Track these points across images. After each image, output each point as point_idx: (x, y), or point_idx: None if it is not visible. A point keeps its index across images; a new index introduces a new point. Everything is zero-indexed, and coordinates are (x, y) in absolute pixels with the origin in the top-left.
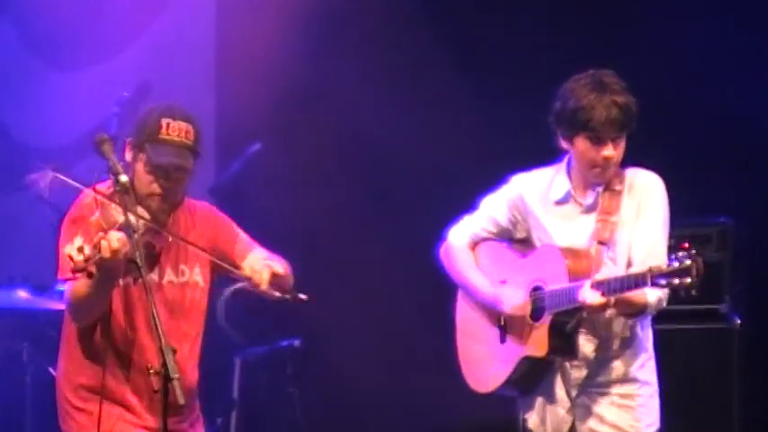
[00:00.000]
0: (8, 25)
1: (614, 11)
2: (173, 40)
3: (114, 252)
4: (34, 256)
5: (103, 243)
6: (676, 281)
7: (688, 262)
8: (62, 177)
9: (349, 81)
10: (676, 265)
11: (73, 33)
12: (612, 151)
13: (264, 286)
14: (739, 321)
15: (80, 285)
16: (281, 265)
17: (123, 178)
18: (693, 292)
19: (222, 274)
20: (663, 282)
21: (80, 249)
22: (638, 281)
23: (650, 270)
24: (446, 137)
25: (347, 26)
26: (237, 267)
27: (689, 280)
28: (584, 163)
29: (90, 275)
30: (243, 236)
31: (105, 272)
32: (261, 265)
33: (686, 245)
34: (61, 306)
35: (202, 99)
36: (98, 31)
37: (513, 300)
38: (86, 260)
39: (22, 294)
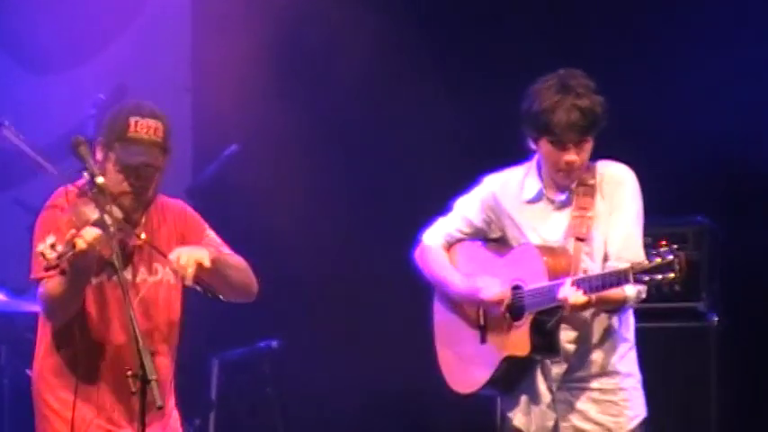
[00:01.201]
0: None
1: (594, 10)
2: (149, 42)
3: (89, 246)
4: (11, 258)
5: (78, 239)
6: (659, 276)
7: (670, 257)
8: (10, 136)
9: (327, 82)
10: (658, 260)
11: (49, 36)
12: (575, 156)
13: (189, 282)
14: (716, 319)
15: (53, 284)
16: (208, 256)
17: (100, 180)
18: (677, 288)
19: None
20: (646, 278)
21: (53, 246)
22: (620, 278)
23: (632, 267)
24: (422, 139)
25: (324, 25)
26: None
27: (672, 275)
28: (548, 165)
29: (63, 272)
30: (212, 236)
31: (79, 269)
32: (187, 257)
33: (663, 243)
34: (38, 309)
35: (179, 101)
36: (74, 34)
37: (492, 288)
38: (59, 257)
39: (0, 297)
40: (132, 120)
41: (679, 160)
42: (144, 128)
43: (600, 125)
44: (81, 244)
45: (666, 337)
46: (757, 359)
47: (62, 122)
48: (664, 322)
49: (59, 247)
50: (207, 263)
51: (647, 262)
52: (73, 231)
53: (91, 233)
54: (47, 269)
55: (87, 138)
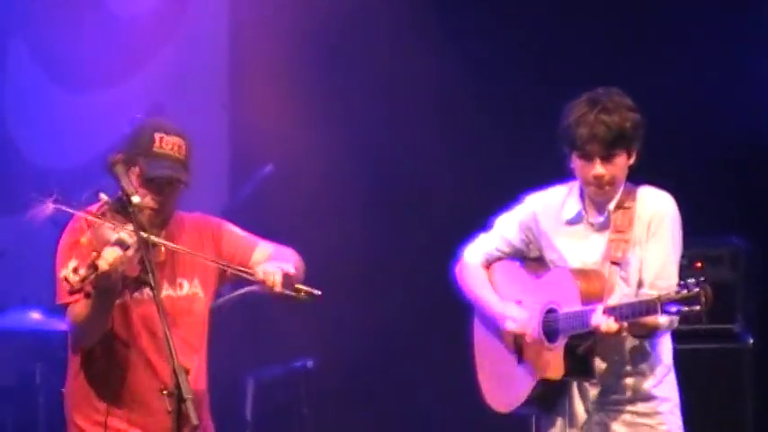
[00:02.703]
0: (23, 47)
1: (629, 29)
2: (186, 60)
3: (111, 266)
4: (47, 277)
5: (99, 261)
6: (685, 308)
7: (696, 290)
8: (63, 207)
9: (363, 102)
10: (685, 292)
11: (86, 55)
12: (602, 170)
13: (278, 288)
14: (752, 341)
15: (79, 307)
16: (292, 265)
17: (136, 199)
18: (703, 320)
19: (233, 280)
20: (673, 309)
21: (75, 270)
22: (648, 308)
23: (659, 297)
24: (464, 155)
25: (360, 47)
26: (247, 269)
27: (698, 307)
28: (581, 180)
29: (87, 295)
30: (242, 234)
31: (103, 290)
32: (273, 267)
33: (699, 264)
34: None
35: (216, 119)
36: (112, 53)
37: (518, 318)
38: (82, 280)
39: (35, 316)
40: (157, 135)
41: (716, 179)
42: (169, 144)
43: (631, 141)
44: (103, 265)
45: (702, 358)
46: None
47: (98, 141)
48: (699, 344)
49: (82, 271)
50: (291, 270)
51: (673, 293)
52: (94, 254)
53: (112, 253)
54: (71, 293)
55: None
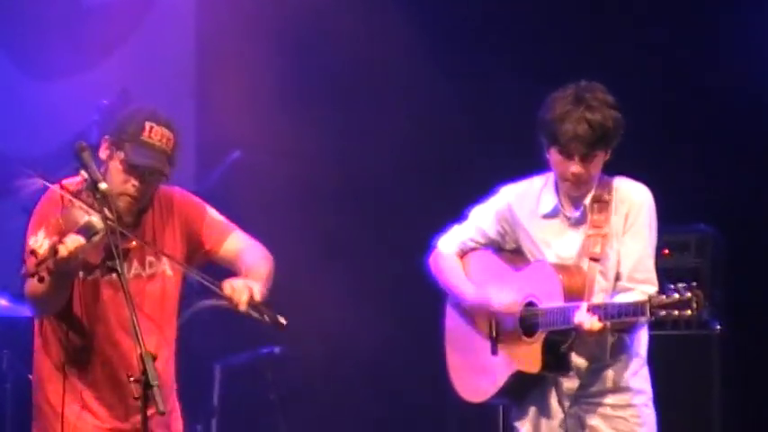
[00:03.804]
0: None
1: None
2: (153, 48)
3: (70, 254)
4: (14, 263)
5: (60, 246)
6: (675, 312)
7: (688, 295)
8: (49, 185)
9: (331, 89)
10: (676, 296)
11: (53, 42)
12: (580, 168)
13: (243, 308)
14: (719, 327)
15: (35, 285)
16: (260, 284)
17: (103, 186)
18: (693, 325)
19: (202, 264)
20: (662, 313)
21: (33, 252)
22: (636, 310)
23: (650, 300)
24: (442, 142)
25: (329, 31)
26: (212, 255)
27: (689, 312)
28: (557, 175)
29: (41, 279)
30: (217, 218)
31: (60, 273)
32: (241, 285)
33: (666, 251)
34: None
35: (183, 106)
36: (78, 40)
37: (503, 297)
38: (39, 263)
39: (2, 302)
40: (148, 124)
41: (682, 167)
42: (158, 134)
43: (611, 140)
44: (62, 251)
45: (669, 344)
46: (760, 367)
47: (65, 128)
48: (666, 330)
49: (42, 252)
50: (257, 296)
51: (664, 297)
52: (55, 238)
53: (73, 241)
54: (26, 275)
55: (90, 144)
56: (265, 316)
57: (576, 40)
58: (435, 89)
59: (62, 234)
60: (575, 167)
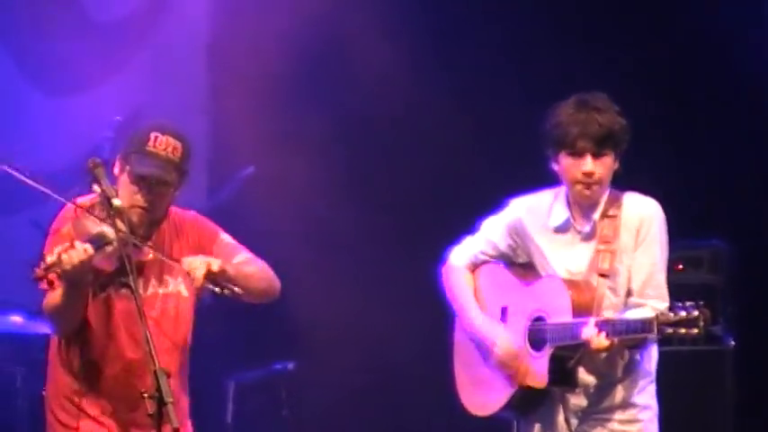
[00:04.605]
0: (1, 51)
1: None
2: (165, 64)
3: (79, 262)
4: (26, 280)
5: (64, 255)
6: (683, 330)
7: (695, 313)
8: (12, 171)
9: (343, 105)
10: (683, 314)
11: (65, 58)
12: (591, 167)
13: (199, 282)
14: (733, 343)
15: (51, 296)
16: (218, 262)
17: (117, 202)
18: (700, 343)
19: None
20: (669, 330)
21: (43, 258)
22: (644, 327)
23: (657, 318)
24: (452, 153)
25: (341, 48)
26: (175, 259)
27: (695, 331)
28: (567, 181)
29: (50, 284)
30: (226, 240)
31: (70, 283)
32: (199, 260)
33: (680, 267)
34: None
35: (195, 122)
36: (91, 56)
37: (507, 345)
38: (46, 269)
39: (17, 319)
40: (153, 134)
41: (697, 182)
42: (162, 144)
43: (619, 143)
44: (66, 260)
45: (683, 360)
46: None
47: (78, 145)
48: (681, 346)
49: (49, 259)
50: (215, 267)
51: (672, 315)
52: (66, 245)
53: (80, 249)
54: (35, 279)
55: (103, 160)
56: (224, 290)
57: (588, 52)
58: (446, 100)
59: (71, 243)
60: (586, 166)
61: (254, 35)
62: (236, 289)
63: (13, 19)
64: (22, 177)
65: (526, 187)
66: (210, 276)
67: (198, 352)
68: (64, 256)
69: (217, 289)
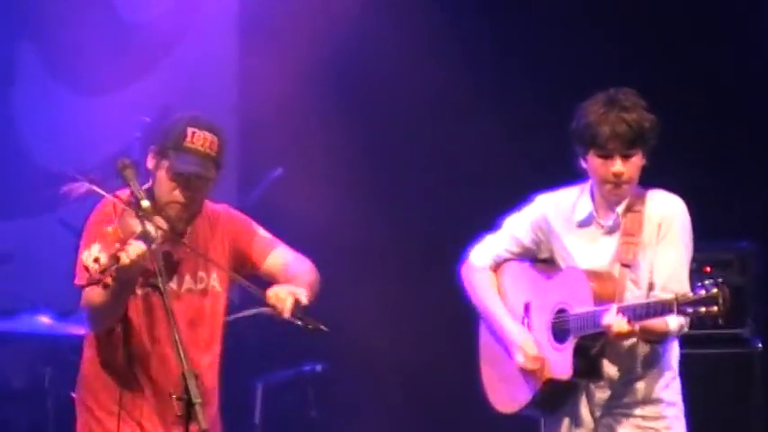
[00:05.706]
0: (31, 50)
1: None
2: (195, 63)
3: (133, 261)
4: (57, 281)
5: (122, 253)
6: (703, 309)
7: (715, 290)
8: (96, 189)
9: (376, 103)
10: (703, 293)
11: (95, 58)
12: (621, 167)
13: (287, 315)
14: (761, 345)
15: (95, 294)
16: (305, 291)
17: (145, 203)
18: (720, 321)
19: (244, 275)
20: (689, 310)
21: (96, 260)
22: (664, 308)
23: (677, 298)
24: (473, 155)
25: (373, 46)
26: (257, 269)
27: (715, 308)
28: (596, 180)
29: (105, 286)
30: (263, 234)
31: (122, 282)
32: (285, 292)
33: (708, 269)
34: (83, 331)
35: (225, 122)
36: (120, 56)
37: (531, 351)
38: (102, 271)
39: (45, 320)
40: (190, 130)
41: (725, 183)
42: (200, 139)
43: (648, 140)
44: (125, 258)
45: (710, 363)
46: None
47: (107, 144)
48: (708, 348)
49: (103, 260)
50: (304, 300)
51: (691, 294)
52: (117, 245)
53: (135, 248)
54: (90, 283)
55: (133, 160)
56: (309, 325)
57: (613, 51)
58: (470, 99)
59: (121, 242)
60: (616, 167)
61: (287, 32)
62: (322, 326)
63: (44, 19)
64: (103, 192)
65: (547, 186)
66: (297, 309)
67: (226, 353)
68: (122, 254)
69: (302, 324)
